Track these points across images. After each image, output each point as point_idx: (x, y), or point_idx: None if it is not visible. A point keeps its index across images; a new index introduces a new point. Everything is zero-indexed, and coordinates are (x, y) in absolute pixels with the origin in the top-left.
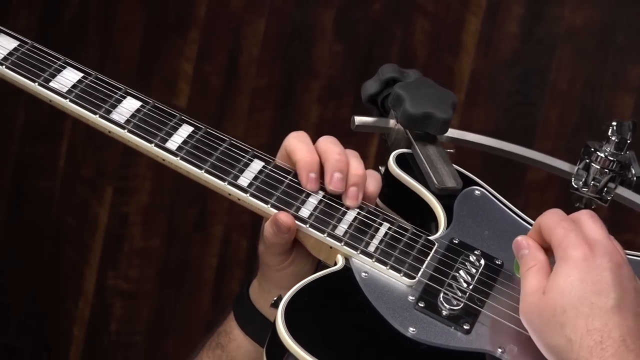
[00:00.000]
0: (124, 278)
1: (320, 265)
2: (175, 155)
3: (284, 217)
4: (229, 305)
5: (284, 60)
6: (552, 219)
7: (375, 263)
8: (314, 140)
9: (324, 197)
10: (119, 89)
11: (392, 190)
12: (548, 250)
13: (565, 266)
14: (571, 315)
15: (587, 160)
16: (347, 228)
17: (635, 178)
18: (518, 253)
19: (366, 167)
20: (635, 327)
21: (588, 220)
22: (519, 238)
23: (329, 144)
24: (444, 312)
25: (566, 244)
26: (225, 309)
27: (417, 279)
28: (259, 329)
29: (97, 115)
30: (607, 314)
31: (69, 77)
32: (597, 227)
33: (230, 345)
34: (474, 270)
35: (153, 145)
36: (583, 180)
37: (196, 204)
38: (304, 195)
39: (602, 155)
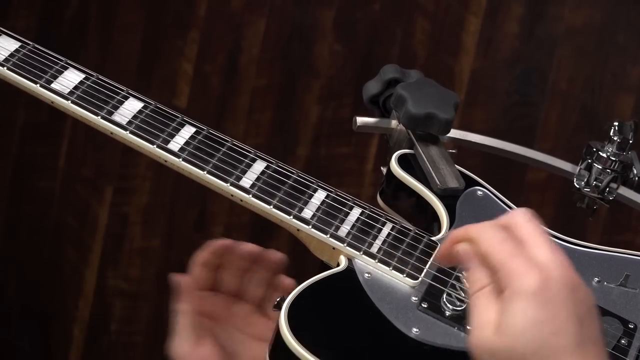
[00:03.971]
0: (124, 278)
1: (322, 266)
2: (178, 156)
3: (176, 277)
4: None
5: (284, 60)
6: (490, 233)
7: (378, 264)
8: None
9: (327, 197)
10: (121, 90)
11: (394, 191)
12: None
13: (518, 301)
14: None
15: (589, 161)
16: (350, 229)
17: (637, 178)
18: (465, 264)
19: (366, 169)
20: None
21: (527, 229)
22: (465, 247)
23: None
24: (447, 313)
25: (514, 272)
26: None
27: (420, 279)
28: None
29: (99, 117)
30: (570, 355)
31: (70, 78)
32: (540, 241)
33: None
34: None
35: (155, 146)
36: (585, 180)
37: (196, 204)
38: (306, 196)
39: (604, 155)
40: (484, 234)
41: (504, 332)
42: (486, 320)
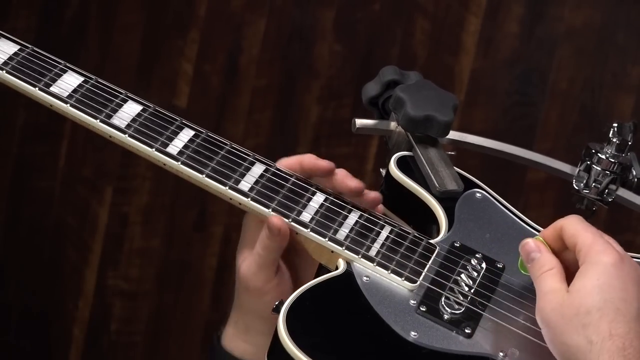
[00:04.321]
0: (124, 278)
1: (321, 269)
2: (177, 159)
3: (276, 220)
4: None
5: (284, 60)
6: (579, 223)
7: (377, 267)
8: None
9: (325, 200)
10: (120, 93)
11: (393, 193)
12: (558, 254)
13: (594, 269)
14: (595, 317)
15: (588, 162)
16: (349, 232)
17: (636, 179)
18: (528, 256)
19: (366, 169)
20: None
21: (605, 236)
22: (529, 240)
23: None
24: (446, 316)
25: (597, 248)
26: (225, 309)
27: (418, 283)
28: None
29: (98, 120)
30: (630, 321)
31: (69, 81)
32: (615, 242)
33: None
34: (475, 274)
35: (154, 149)
36: (584, 182)
37: (196, 204)
38: (305, 199)
39: (604, 157)
40: (573, 221)
41: (576, 291)
42: (557, 287)
